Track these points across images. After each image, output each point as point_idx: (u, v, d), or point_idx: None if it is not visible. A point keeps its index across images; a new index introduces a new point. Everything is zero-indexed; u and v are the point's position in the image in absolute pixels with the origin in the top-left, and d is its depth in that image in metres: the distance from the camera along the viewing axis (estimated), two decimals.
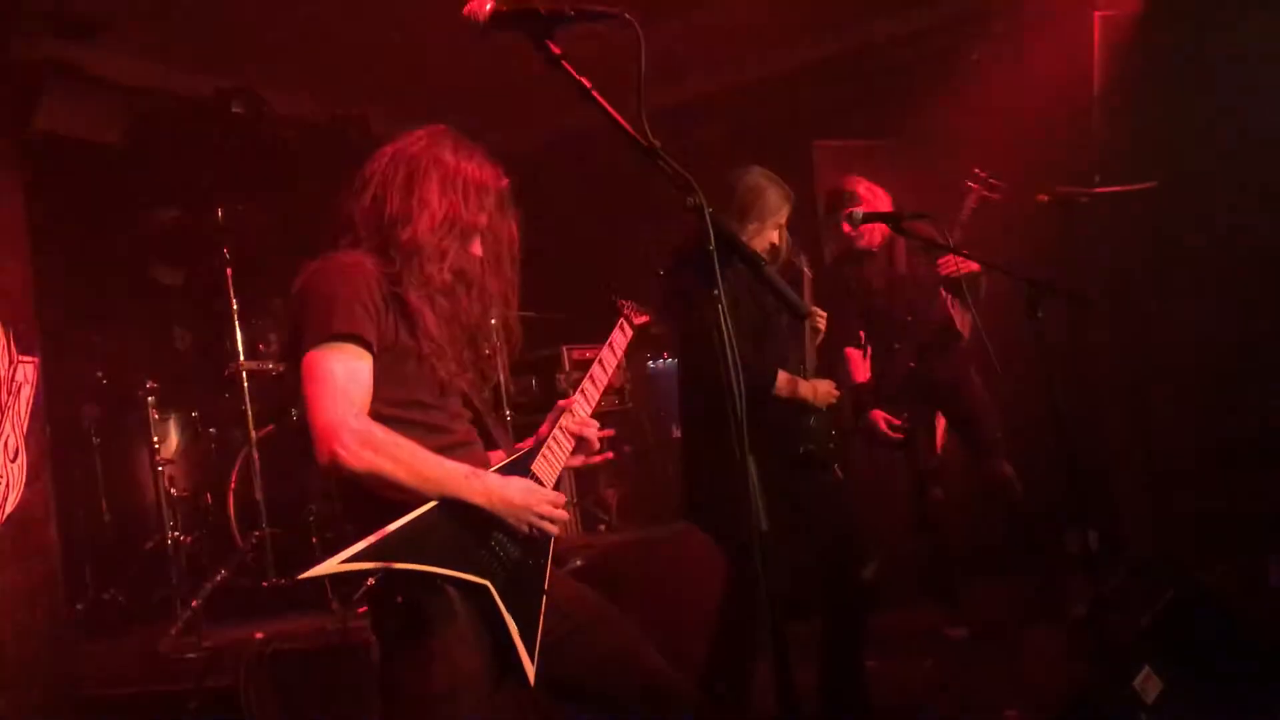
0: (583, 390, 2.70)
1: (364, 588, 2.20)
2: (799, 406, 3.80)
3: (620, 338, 2.88)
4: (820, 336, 4.11)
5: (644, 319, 2.99)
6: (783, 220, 3.92)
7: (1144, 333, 5.66)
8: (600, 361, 2.79)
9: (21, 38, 5.33)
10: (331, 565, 2.12)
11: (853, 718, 3.93)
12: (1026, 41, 6.01)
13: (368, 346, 2.33)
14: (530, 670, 2.32)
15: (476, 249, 2.54)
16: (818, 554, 3.83)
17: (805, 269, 4.19)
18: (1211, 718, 3.16)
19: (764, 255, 3.84)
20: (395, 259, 2.42)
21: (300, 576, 2.16)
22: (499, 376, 5.49)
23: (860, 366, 5.24)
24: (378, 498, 2.26)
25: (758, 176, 3.89)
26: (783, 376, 3.77)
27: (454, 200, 2.46)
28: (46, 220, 4.58)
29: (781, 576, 3.85)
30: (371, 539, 2.16)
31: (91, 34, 5.72)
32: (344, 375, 2.28)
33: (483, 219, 2.51)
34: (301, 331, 2.32)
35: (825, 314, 4.10)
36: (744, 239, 3.68)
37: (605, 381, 2.78)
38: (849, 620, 3.93)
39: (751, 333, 3.74)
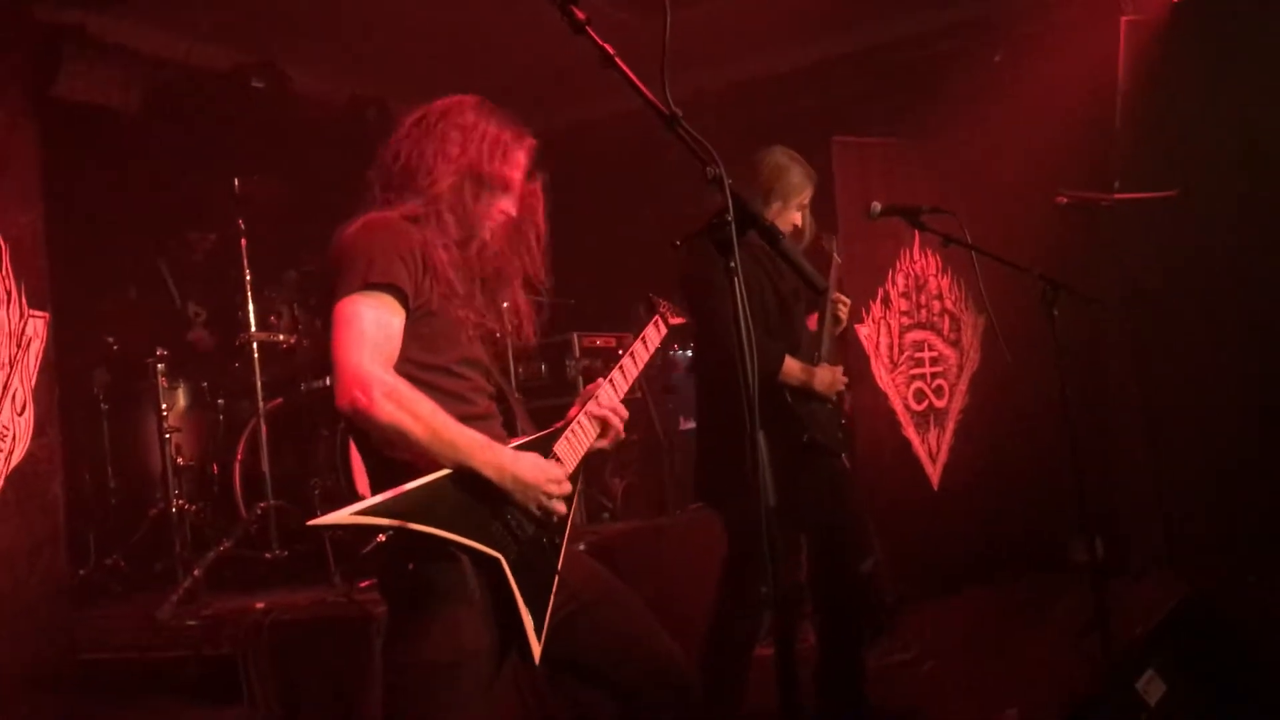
0: (611, 380, 2.69)
1: (373, 545, 2.18)
2: (806, 394, 3.78)
3: (654, 334, 2.87)
4: (841, 325, 4.09)
5: (680, 320, 2.98)
6: (805, 201, 3.91)
7: (1159, 339, 5.63)
8: (631, 354, 2.78)
9: (45, 2, 5.33)
10: (344, 515, 2.11)
11: (849, 712, 3.91)
12: (1051, 44, 5.98)
13: (403, 300, 2.32)
14: (536, 649, 2.30)
15: (506, 206, 2.53)
16: (816, 544, 3.81)
17: (835, 255, 4.18)
18: None
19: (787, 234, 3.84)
20: (421, 214, 2.42)
21: (310, 523, 2.14)
22: (509, 360, 5.49)
23: None
24: (393, 459, 2.25)
25: (780, 155, 3.89)
26: (791, 363, 3.74)
27: (471, 154, 2.45)
28: (62, 185, 4.58)
29: (790, 565, 3.85)
30: (386, 495, 2.14)
31: (114, 3, 5.73)
32: (375, 325, 2.27)
33: (502, 171, 2.49)
34: (337, 282, 2.31)
35: (849, 301, 4.09)
36: (769, 218, 3.69)
37: (635, 374, 2.77)
38: (845, 614, 3.90)
39: (762, 316, 3.72)
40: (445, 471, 2.24)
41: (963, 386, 6.47)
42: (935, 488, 6.26)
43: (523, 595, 2.29)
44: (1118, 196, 5.07)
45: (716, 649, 3.75)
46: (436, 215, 2.42)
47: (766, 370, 3.63)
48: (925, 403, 6.29)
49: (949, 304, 6.50)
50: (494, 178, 2.48)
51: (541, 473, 2.37)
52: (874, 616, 4.88)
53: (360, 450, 2.39)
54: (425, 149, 2.45)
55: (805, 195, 3.91)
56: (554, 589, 2.40)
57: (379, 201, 2.47)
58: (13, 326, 3.50)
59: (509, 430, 2.58)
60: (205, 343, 5.69)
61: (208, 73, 6.38)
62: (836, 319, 4.04)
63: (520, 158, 2.53)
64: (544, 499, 2.36)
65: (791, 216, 3.88)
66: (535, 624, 2.31)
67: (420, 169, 2.44)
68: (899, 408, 6.19)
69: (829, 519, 3.78)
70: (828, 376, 3.83)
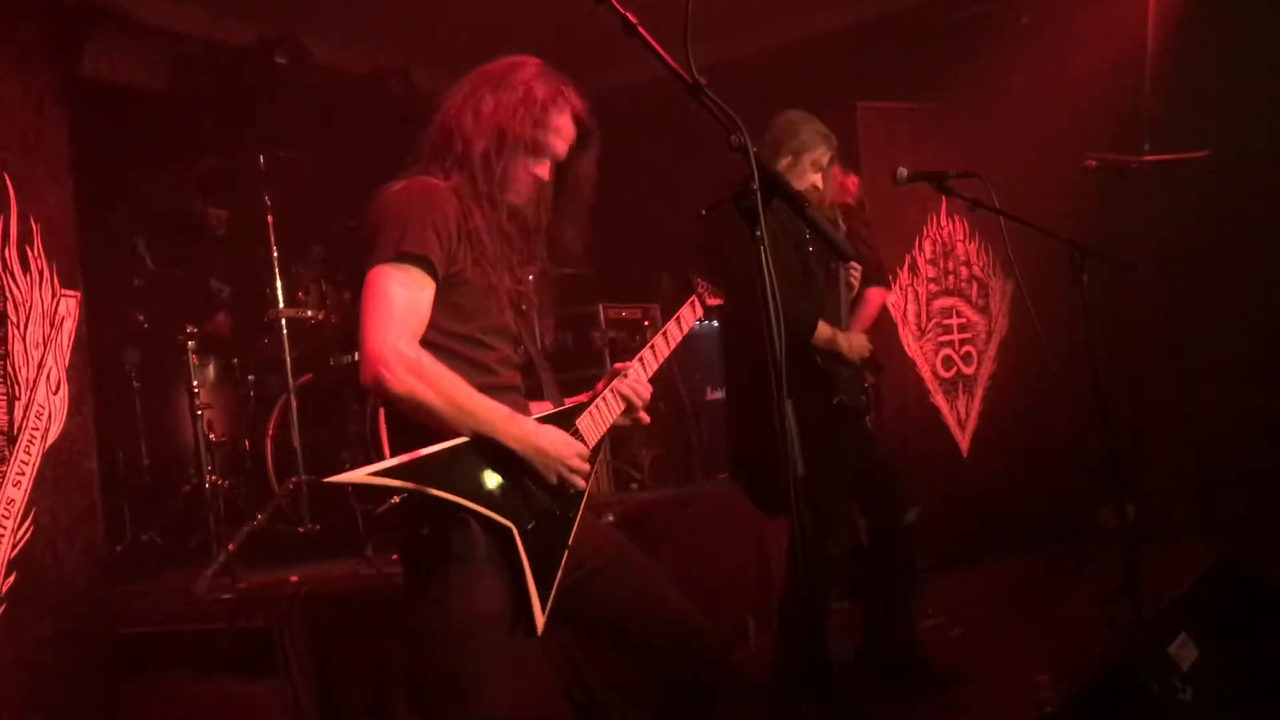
0: (641, 358, 2.68)
1: (387, 507, 2.20)
2: (834, 357, 3.81)
3: (689, 314, 2.84)
4: (853, 292, 4.12)
5: (717, 301, 2.95)
6: (822, 160, 3.90)
7: (1190, 303, 5.58)
8: (665, 333, 2.75)
9: None
10: (360, 475, 2.14)
11: (901, 671, 3.94)
12: (1079, 5, 5.91)
13: (433, 273, 2.31)
14: (539, 620, 2.31)
15: (538, 169, 2.49)
16: (860, 502, 3.85)
17: (840, 222, 4.20)
18: (1248, 686, 3.12)
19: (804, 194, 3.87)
20: (457, 177, 2.41)
21: (328, 480, 2.17)
22: (536, 331, 5.49)
23: None
24: (420, 424, 2.27)
25: (793, 115, 3.94)
26: (823, 326, 3.77)
27: (503, 114, 2.42)
28: (89, 164, 4.60)
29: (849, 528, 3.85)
30: (404, 457, 2.17)
31: None
32: (403, 300, 2.27)
33: (533, 134, 2.44)
34: (371, 247, 2.31)
35: (860, 268, 4.10)
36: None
37: (666, 354, 2.74)
38: (896, 567, 3.94)
39: (791, 279, 3.74)
40: (465, 438, 2.26)
41: (991, 353, 6.44)
42: (964, 455, 6.25)
43: (531, 566, 2.31)
44: (1147, 159, 5.00)
45: (788, 612, 3.78)
46: (470, 178, 2.40)
47: (798, 332, 3.66)
48: (954, 370, 6.27)
49: (977, 270, 6.46)
50: (521, 139, 2.43)
51: (564, 446, 2.38)
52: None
53: (390, 420, 2.40)
54: (463, 110, 2.44)
55: (819, 154, 3.90)
56: (562, 562, 2.41)
57: (423, 161, 2.46)
58: (46, 306, 3.53)
59: (536, 400, 2.59)
60: (225, 327, 5.69)
61: (231, 48, 6.38)
62: (849, 285, 4.08)
63: (558, 122, 2.48)
64: (565, 471, 2.38)
65: (808, 176, 3.88)
66: (540, 596, 2.32)
67: (456, 130, 2.43)
68: (927, 375, 6.17)
69: (862, 473, 3.83)
70: (856, 340, 3.88)
